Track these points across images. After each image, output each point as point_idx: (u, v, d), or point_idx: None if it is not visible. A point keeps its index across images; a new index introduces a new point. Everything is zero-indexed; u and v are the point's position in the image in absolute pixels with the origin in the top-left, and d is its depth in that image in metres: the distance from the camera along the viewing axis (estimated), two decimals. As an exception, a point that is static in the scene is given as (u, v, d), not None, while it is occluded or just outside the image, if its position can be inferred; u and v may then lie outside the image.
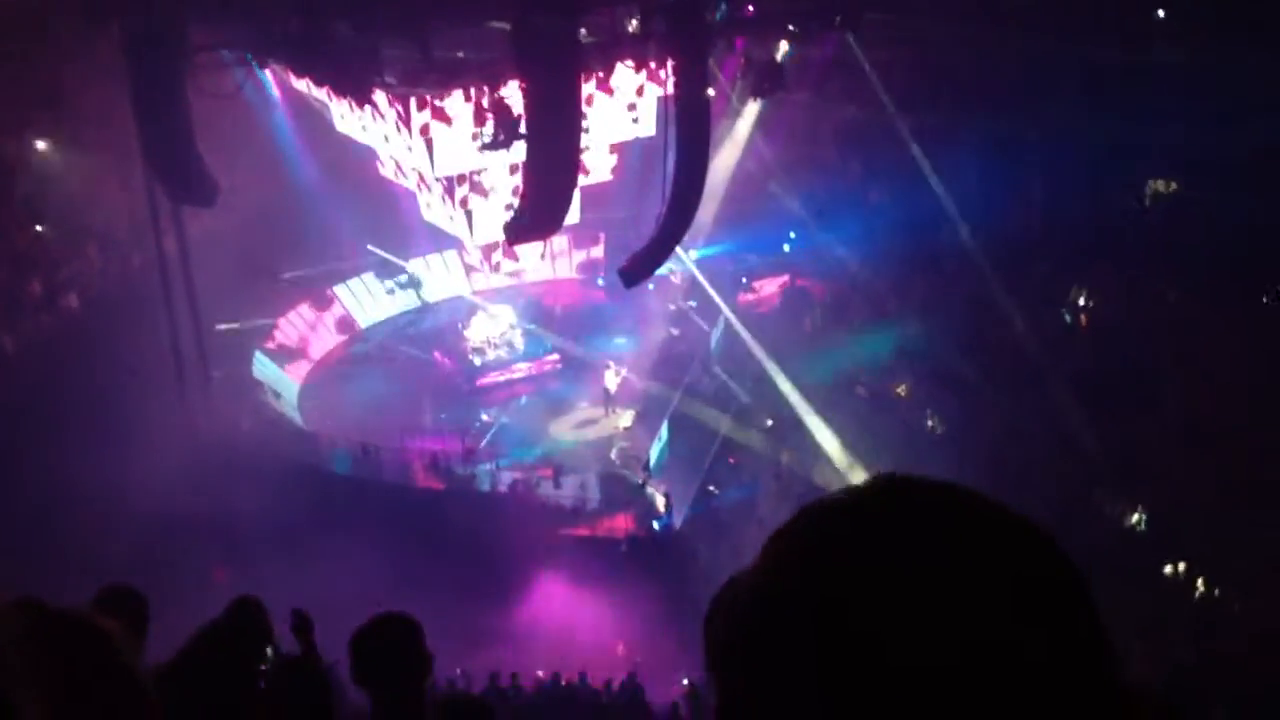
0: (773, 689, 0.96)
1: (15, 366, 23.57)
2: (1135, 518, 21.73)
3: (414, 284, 32.06)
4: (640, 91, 25.07)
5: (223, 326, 26.87)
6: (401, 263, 31.78)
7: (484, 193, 25.62)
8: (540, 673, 19.16)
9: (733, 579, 1.07)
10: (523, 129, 20.52)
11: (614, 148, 27.06)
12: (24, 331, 24.48)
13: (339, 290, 31.28)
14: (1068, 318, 26.39)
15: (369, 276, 31.81)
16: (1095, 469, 22.53)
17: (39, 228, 26.22)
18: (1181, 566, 20.80)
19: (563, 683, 18.50)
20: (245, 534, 19.78)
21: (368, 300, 31.80)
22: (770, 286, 31.72)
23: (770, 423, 26.47)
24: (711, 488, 24.74)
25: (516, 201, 22.45)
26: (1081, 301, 26.36)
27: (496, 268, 31.65)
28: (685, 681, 18.31)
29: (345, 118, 26.04)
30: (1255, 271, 23.41)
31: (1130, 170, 26.19)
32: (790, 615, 0.95)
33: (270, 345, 28.96)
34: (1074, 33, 24.89)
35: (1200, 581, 20.61)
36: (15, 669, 1.14)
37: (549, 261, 32.91)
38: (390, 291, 31.97)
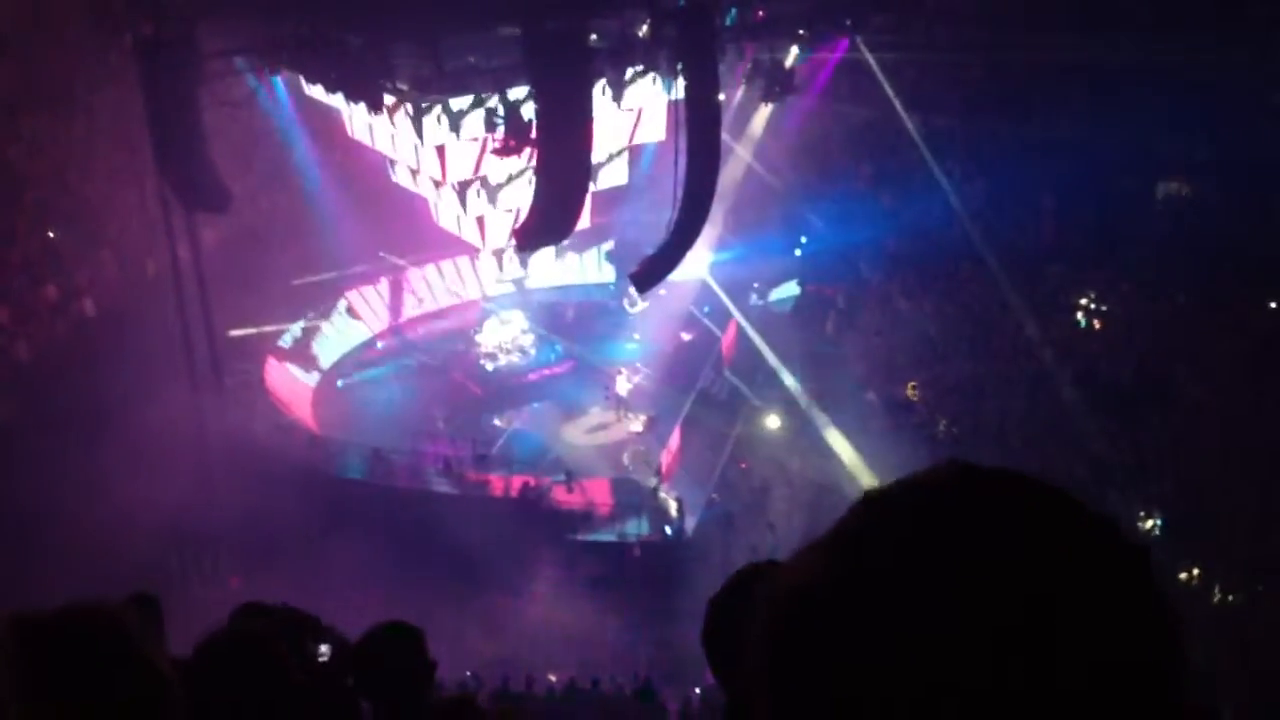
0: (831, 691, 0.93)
1: (30, 373, 23.63)
2: (1150, 523, 21.62)
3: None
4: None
5: (236, 332, 26.93)
6: (416, 269, 31.86)
7: (495, 198, 25.65)
8: (553, 677, 19.16)
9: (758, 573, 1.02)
10: (534, 135, 20.58)
11: (625, 152, 27.09)
12: (38, 338, 24.54)
13: (351, 297, 31.34)
14: (1079, 320, 26.31)
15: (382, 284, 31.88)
16: (1109, 473, 22.45)
17: (51, 233, 26.29)
18: (1196, 572, 20.67)
19: (577, 687, 18.49)
20: (258, 540, 19.84)
21: (380, 306, 31.87)
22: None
23: (780, 425, 26.43)
24: (716, 494, 24.71)
25: (528, 207, 22.45)
26: (1092, 304, 26.28)
27: (506, 272, 31.65)
28: (697, 690, 18.29)
29: (357, 123, 26.12)
30: (1266, 273, 23.33)
31: (1140, 172, 26.11)
32: (861, 614, 0.93)
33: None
34: (1082, 34, 24.84)
35: (1216, 588, 20.48)
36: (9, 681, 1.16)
37: (561, 266, 32.89)
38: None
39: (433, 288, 32.54)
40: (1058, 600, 0.90)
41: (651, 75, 23.09)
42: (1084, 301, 26.34)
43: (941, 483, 0.99)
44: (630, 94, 23.71)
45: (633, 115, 25.74)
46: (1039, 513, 0.96)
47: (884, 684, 0.90)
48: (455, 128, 23.27)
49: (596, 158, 23.08)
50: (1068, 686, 0.88)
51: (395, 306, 32.09)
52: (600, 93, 21.77)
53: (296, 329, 29.55)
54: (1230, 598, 20.46)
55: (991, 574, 0.90)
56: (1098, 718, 0.89)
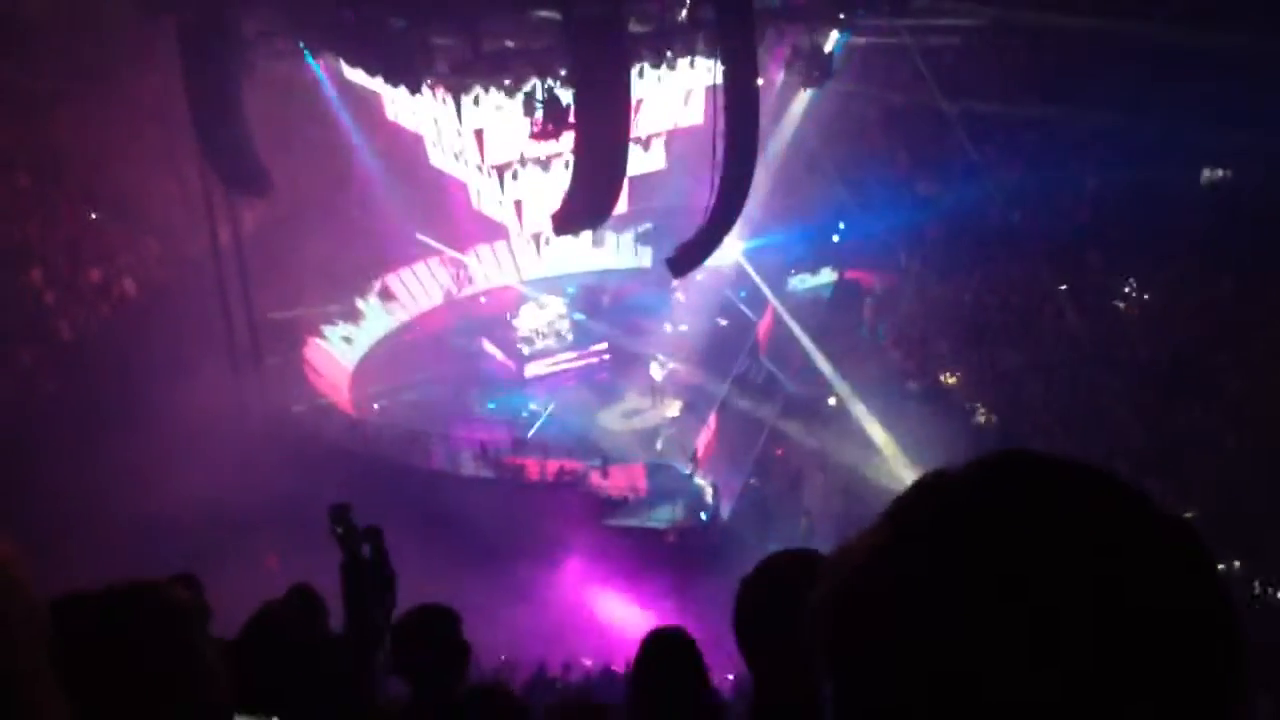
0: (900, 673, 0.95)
1: (72, 354, 23.88)
2: (1189, 515, 21.37)
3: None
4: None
5: (276, 314, 27.12)
6: (456, 253, 31.99)
7: (533, 182, 25.64)
8: (588, 662, 19.20)
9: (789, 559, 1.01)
10: (572, 118, 20.56)
11: (664, 136, 27.02)
12: (81, 319, 24.79)
13: (390, 280, 31.46)
14: (1119, 308, 26.03)
15: (420, 266, 32.00)
16: (1147, 461, 22.23)
17: (94, 215, 26.52)
18: (1236, 564, 20.44)
19: (612, 671, 18.52)
20: (296, 520, 19.94)
21: (418, 289, 31.99)
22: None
23: (832, 402, 26.34)
24: (753, 480, 24.66)
25: (565, 191, 22.44)
26: (1133, 292, 25.99)
27: (544, 253, 31.66)
28: (730, 677, 18.27)
29: (396, 106, 26.20)
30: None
31: (1182, 158, 25.74)
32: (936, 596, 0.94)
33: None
34: (1125, 18, 24.54)
35: (1257, 580, 20.25)
36: (44, 677, 1.23)
37: (598, 250, 32.89)
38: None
39: (471, 271, 32.62)
40: (1121, 581, 0.91)
41: (690, 59, 23.07)
42: (1124, 289, 26.06)
43: (997, 466, 1.01)
44: (673, 77, 23.70)
45: (674, 99, 25.69)
46: (1095, 496, 0.98)
47: (942, 665, 0.92)
48: (493, 112, 23.28)
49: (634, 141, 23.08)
50: (1128, 665, 0.89)
51: (433, 290, 32.19)
52: (638, 75, 21.75)
53: (335, 311, 29.71)
54: (1271, 590, 20.23)
55: (1050, 555, 0.92)
56: (1158, 697, 0.89)
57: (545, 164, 25.13)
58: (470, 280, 32.54)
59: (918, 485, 1.04)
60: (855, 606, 1.00)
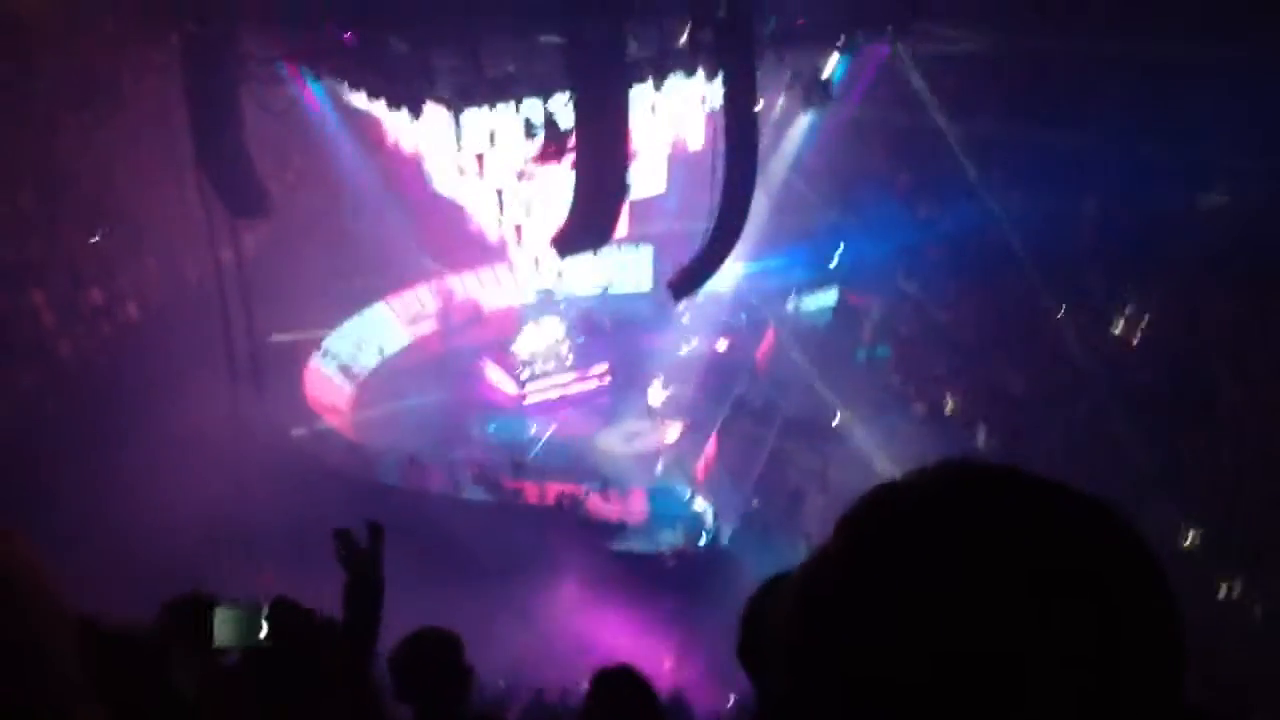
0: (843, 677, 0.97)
1: (72, 373, 23.85)
2: (1190, 535, 21.35)
3: None
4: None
5: (277, 337, 27.08)
6: (456, 275, 32.01)
7: (533, 205, 25.69)
8: (587, 687, 19.11)
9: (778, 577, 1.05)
10: (572, 142, 20.62)
11: (664, 159, 27.07)
12: (81, 339, 24.75)
13: (391, 302, 31.46)
14: (1119, 329, 26.04)
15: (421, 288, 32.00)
16: (1147, 483, 22.19)
17: (95, 236, 26.51)
18: (1237, 586, 20.38)
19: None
20: (294, 543, 19.93)
21: (419, 311, 31.98)
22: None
23: (833, 424, 26.31)
24: (753, 502, 24.61)
25: (565, 214, 22.48)
26: (1133, 312, 26.00)
27: (544, 276, 31.67)
28: (731, 700, 18.20)
29: (397, 129, 26.25)
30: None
31: (1183, 178, 25.77)
32: (863, 608, 0.97)
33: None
34: (1127, 41, 24.59)
35: (1258, 602, 20.19)
36: (77, 684, 1.24)
37: (599, 273, 32.85)
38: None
39: (471, 294, 32.62)
40: (1047, 581, 0.93)
41: (690, 82, 23.16)
42: (1125, 309, 26.07)
43: (940, 475, 1.05)
44: (671, 101, 23.75)
45: (674, 122, 25.76)
46: (1031, 499, 1.00)
47: (889, 664, 0.94)
48: (494, 135, 23.32)
49: (634, 165, 23.12)
50: (1060, 661, 0.91)
51: (433, 312, 32.19)
52: (638, 99, 21.81)
53: (335, 334, 29.70)
54: (1273, 611, 20.16)
55: (987, 557, 0.94)
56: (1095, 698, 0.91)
57: (545, 187, 25.16)
58: (471, 302, 32.55)
59: (866, 498, 1.08)
60: (807, 617, 1.02)
